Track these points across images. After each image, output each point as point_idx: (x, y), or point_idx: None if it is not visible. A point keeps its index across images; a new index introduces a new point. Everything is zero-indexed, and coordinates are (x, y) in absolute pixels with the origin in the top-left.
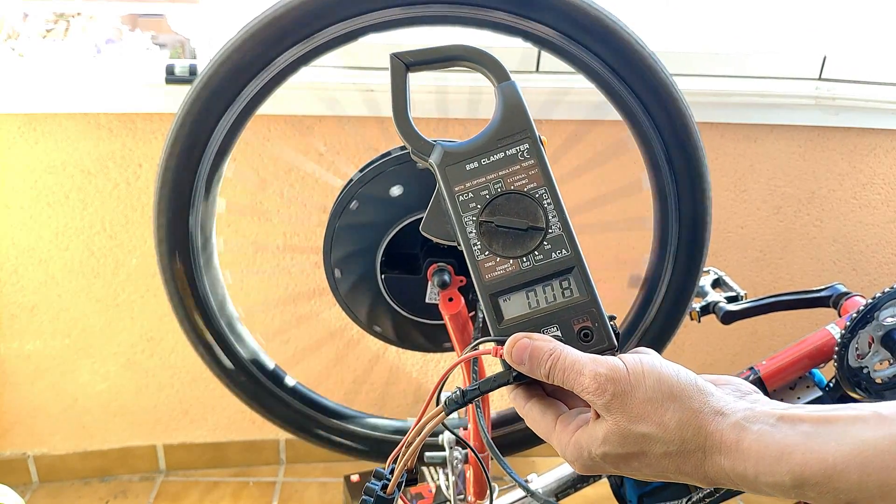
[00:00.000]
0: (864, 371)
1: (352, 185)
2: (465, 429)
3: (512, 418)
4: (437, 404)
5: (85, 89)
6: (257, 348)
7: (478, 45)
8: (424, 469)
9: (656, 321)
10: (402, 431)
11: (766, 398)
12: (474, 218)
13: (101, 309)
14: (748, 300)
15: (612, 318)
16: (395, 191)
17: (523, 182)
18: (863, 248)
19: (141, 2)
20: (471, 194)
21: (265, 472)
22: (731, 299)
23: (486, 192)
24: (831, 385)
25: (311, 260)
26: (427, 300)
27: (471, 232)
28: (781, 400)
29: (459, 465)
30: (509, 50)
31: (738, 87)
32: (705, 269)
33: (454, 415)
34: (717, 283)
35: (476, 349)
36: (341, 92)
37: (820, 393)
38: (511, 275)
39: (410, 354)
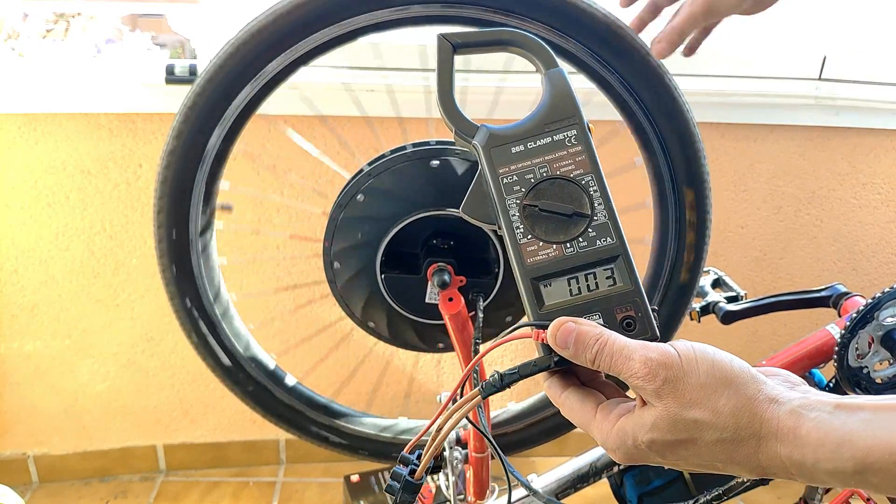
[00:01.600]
0: (864, 371)
1: (350, 187)
2: (465, 429)
3: (512, 419)
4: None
5: (85, 89)
6: (257, 348)
7: (524, 32)
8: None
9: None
10: (402, 431)
11: (817, 389)
12: (518, 201)
13: (101, 309)
14: (748, 300)
15: (654, 309)
16: (395, 191)
17: (570, 168)
18: (863, 248)
19: (141, 2)
20: (515, 177)
21: (265, 472)
22: (731, 299)
23: (532, 175)
24: (831, 385)
25: (310, 259)
26: (427, 300)
27: (514, 215)
28: None
29: (459, 465)
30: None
31: (738, 87)
32: (705, 269)
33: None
34: (717, 283)
35: (514, 332)
36: (341, 92)
37: None
38: (553, 260)
39: (410, 354)
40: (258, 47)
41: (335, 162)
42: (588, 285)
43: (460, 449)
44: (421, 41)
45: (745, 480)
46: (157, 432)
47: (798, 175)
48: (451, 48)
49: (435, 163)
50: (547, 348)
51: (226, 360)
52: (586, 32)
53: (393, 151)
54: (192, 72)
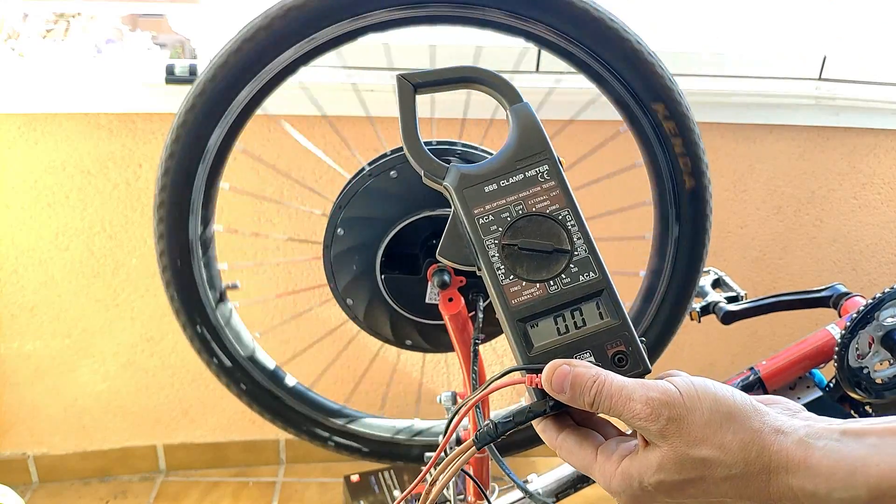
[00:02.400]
0: (865, 371)
1: (349, 189)
2: (465, 429)
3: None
4: (443, 439)
5: (85, 89)
6: (257, 348)
7: (486, 67)
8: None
9: (656, 321)
10: (403, 432)
11: (818, 416)
12: (496, 241)
13: (101, 309)
14: (748, 300)
15: (642, 340)
16: (394, 192)
17: (545, 204)
18: (863, 248)
19: (141, 2)
20: (491, 216)
21: (265, 472)
22: (731, 299)
23: (508, 214)
24: (831, 385)
25: (311, 259)
26: (427, 300)
27: (493, 255)
28: None
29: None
30: (508, 49)
31: (738, 87)
32: (705, 269)
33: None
34: (717, 283)
35: (504, 378)
36: (341, 92)
37: (820, 393)
38: (538, 300)
39: (410, 354)
40: (258, 47)
41: (336, 162)
42: (575, 322)
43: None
44: (427, 41)
45: None
46: (156, 432)
47: (798, 175)
48: (411, 88)
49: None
50: (541, 392)
51: (226, 361)
52: (587, 33)
53: (393, 151)
54: (192, 72)
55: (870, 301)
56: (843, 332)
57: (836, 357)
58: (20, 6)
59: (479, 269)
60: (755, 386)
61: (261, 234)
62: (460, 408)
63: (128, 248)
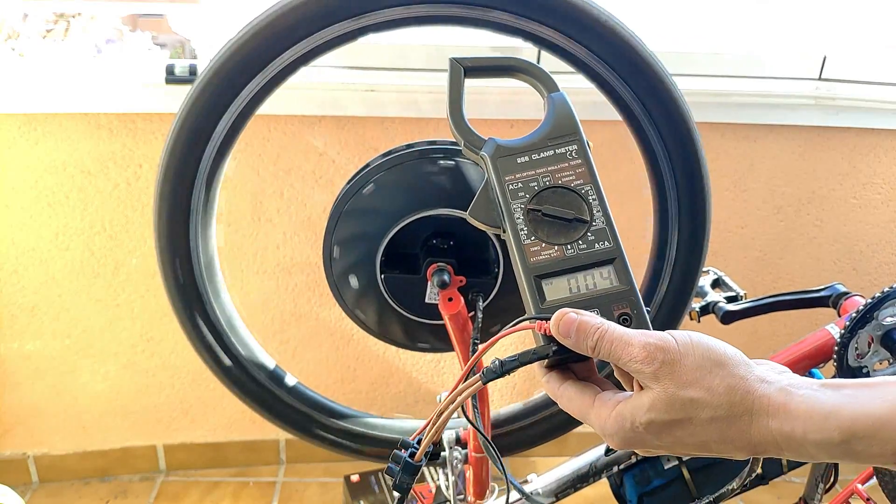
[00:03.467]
0: (864, 371)
1: (349, 189)
2: (466, 429)
3: (511, 419)
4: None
5: (85, 89)
6: (257, 348)
7: (529, 60)
8: (424, 469)
9: (656, 321)
10: (403, 432)
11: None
12: (522, 206)
13: (101, 309)
14: (748, 300)
15: (648, 310)
16: (393, 192)
17: (571, 178)
18: (863, 248)
19: (141, 2)
20: (520, 184)
21: (265, 472)
22: (730, 299)
23: (535, 183)
24: None
25: (311, 259)
26: (427, 300)
27: (518, 218)
28: None
29: (459, 465)
30: (507, 50)
31: (738, 87)
32: (705, 269)
33: (454, 414)
34: (717, 283)
35: (517, 325)
36: (341, 92)
37: None
38: (555, 260)
39: (410, 354)
40: (258, 48)
41: (335, 162)
42: (587, 284)
43: (460, 449)
44: (429, 41)
45: (745, 482)
46: (157, 432)
47: (798, 175)
48: (462, 71)
49: (439, 163)
50: (547, 339)
51: (226, 361)
52: (588, 34)
53: (394, 151)
54: (192, 72)
55: (869, 301)
56: (843, 331)
57: (835, 357)
58: (20, 6)
59: (504, 231)
60: None
61: (261, 234)
62: (477, 354)
63: (128, 248)
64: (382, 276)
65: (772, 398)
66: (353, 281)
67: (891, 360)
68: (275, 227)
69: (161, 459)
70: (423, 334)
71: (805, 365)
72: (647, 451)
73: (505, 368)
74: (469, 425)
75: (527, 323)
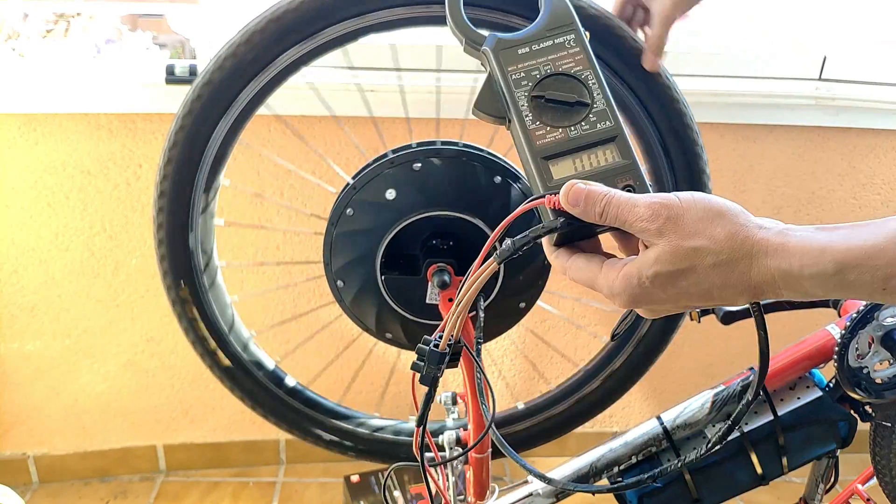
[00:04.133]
0: (864, 371)
1: (349, 189)
2: (465, 429)
3: (512, 419)
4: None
5: (85, 89)
6: (257, 348)
7: None
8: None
9: (656, 321)
10: (403, 432)
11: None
12: (526, 93)
13: (101, 309)
14: None
15: (651, 185)
16: (391, 193)
17: (570, 65)
18: None
19: (141, 2)
20: (523, 73)
21: (265, 472)
22: None
23: (537, 72)
24: (831, 385)
25: (311, 259)
26: (427, 301)
27: (522, 105)
28: (781, 401)
29: (459, 466)
30: None
31: (738, 87)
32: None
33: (454, 415)
34: None
35: (529, 202)
36: (341, 92)
37: (820, 393)
38: (559, 141)
39: (410, 354)
40: (259, 48)
41: (335, 162)
42: (591, 161)
43: (460, 450)
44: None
45: (746, 479)
46: (157, 432)
47: (798, 175)
48: None
49: (439, 164)
50: (556, 214)
51: (227, 363)
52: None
53: (393, 151)
54: (192, 72)
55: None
56: (843, 332)
57: (835, 357)
58: (20, 6)
59: (510, 122)
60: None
61: (260, 234)
62: (494, 235)
63: (128, 248)
64: (382, 276)
65: (770, 240)
66: (353, 282)
67: (891, 361)
68: (275, 227)
69: (161, 459)
70: (424, 335)
71: (805, 365)
72: (653, 310)
73: (517, 246)
74: (470, 426)
75: (538, 199)
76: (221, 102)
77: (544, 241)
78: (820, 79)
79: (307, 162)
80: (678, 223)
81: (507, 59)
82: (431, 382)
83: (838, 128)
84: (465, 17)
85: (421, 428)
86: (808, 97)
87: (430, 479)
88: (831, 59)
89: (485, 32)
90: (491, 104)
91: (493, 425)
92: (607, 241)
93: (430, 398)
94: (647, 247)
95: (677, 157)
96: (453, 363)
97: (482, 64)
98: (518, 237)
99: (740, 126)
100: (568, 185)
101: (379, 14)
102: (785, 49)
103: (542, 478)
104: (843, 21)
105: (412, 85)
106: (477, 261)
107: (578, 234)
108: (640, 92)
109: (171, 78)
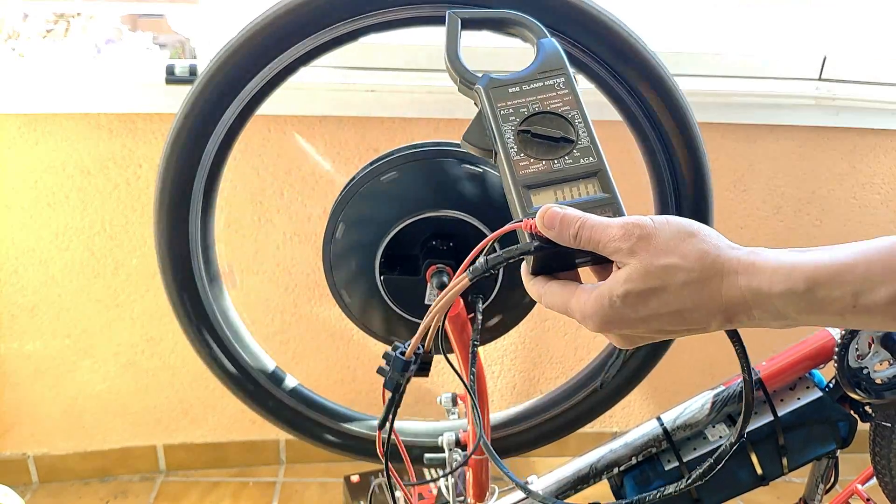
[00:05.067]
0: (864, 371)
1: (349, 190)
2: (465, 431)
3: (511, 420)
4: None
5: (85, 89)
6: (257, 348)
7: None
8: (425, 470)
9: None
10: (403, 432)
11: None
12: (513, 127)
13: (101, 309)
14: None
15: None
16: (392, 193)
17: (558, 104)
18: None
19: (141, 2)
20: (511, 109)
21: (265, 472)
22: None
23: (525, 109)
24: (831, 385)
25: (311, 259)
26: (426, 301)
27: (509, 138)
28: (781, 401)
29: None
30: (506, 50)
31: (738, 87)
32: None
33: (454, 416)
34: None
35: (507, 227)
36: (341, 92)
37: (820, 393)
38: (542, 172)
39: None
40: (258, 48)
41: (335, 162)
42: (572, 193)
43: (460, 451)
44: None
45: (746, 480)
46: (157, 432)
47: (798, 175)
48: (459, 23)
49: (439, 164)
50: (531, 236)
51: (227, 363)
52: (588, 34)
53: (393, 152)
54: (192, 72)
55: None
56: (843, 332)
57: (835, 357)
58: (20, 6)
59: (496, 155)
60: (755, 387)
61: (261, 234)
62: (472, 254)
63: (128, 248)
64: (382, 277)
65: (741, 259)
66: (353, 282)
67: (891, 361)
68: (275, 227)
69: (161, 459)
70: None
71: (805, 366)
72: (625, 336)
73: (490, 265)
74: (470, 427)
75: (514, 223)
76: (221, 102)
77: (522, 268)
78: (820, 79)
79: (307, 162)
80: (650, 241)
81: (497, 96)
82: (395, 388)
83: (838, 128)
84: (461, 59)
85: (384, 430)
86: (808, 97)
87: (395, 480)
88: (831, 59)
89: (479, 74)
90: (479, 137)
91: (482, 435)
92: (587, 276)
93: (392, 403)
94: (619, 268)
95: (678, 158)
96: (423, 373)
97: (474, 102)
98: (491, 256)
99: (740, 126)
100: (544, 208)
101: (378, 14)
102: (785, 49)
103: (524, 489)
104: (843, 21)
105: (412, 85)
106: (452, 281)
107: (556, 264)
108: (641, 92)
109: (171, 78)
